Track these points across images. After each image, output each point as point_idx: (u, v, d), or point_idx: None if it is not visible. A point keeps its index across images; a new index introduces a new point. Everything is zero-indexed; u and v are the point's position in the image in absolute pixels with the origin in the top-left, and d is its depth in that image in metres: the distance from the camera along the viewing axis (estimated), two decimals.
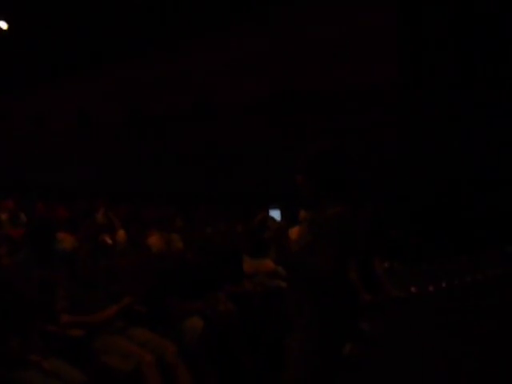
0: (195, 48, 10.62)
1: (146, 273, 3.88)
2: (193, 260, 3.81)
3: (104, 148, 12.44)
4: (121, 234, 4.95)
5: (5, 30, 10.84)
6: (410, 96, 8.04)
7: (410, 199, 7.75)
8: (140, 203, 8.39)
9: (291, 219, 5.24)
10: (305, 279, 2.07)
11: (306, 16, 9.02)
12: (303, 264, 2.06)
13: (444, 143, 7.94)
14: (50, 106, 13.54)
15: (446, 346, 3.95)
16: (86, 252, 3.29)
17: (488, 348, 3.91)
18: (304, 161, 2.18)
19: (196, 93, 10.65)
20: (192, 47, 10.66)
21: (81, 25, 10.86)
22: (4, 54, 11.80)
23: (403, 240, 6.63)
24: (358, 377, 3.39)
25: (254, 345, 3.62)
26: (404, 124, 8.13)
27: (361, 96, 8.39)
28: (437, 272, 6.04)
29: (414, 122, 8.14)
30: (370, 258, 5.31)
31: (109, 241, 4.53)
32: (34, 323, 2.84)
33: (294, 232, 4.63)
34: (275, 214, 5.23)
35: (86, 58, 11.92)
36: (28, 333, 2.74)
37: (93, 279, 3.24)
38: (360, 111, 8.41)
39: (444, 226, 7.49)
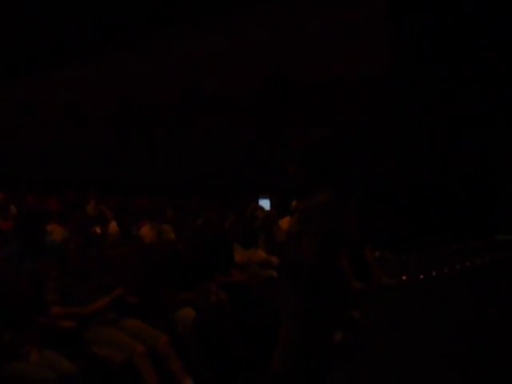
0: (185, 37, 10.52)
1: (137, 264, 3.88)
2: (184, 251, 3.80)
3: (94, 139, 12.34)
4: (113, 225, 4.93)
5: None
6: (400, 86, 8.05)
7: (400, 189, 7.79)
8: (131, 194, 8.36)
9: (283, 209, 5.25)
10: (292, 268, 2.09)
11: (296, 7, 8.96)
12: (290, 253, 2.06)
13: (433, 134, 7.98)
14: (38, 97, 13.37)
15: (436, 333, 4.01)
16: (77, 244, 3.27)
17: (478, 334, 3.97)
18: (294, 150, 2.18)
19: (185, 83, 10.56)
20: (182, 37, 10.55)
21: (69, 14, 10.70)
22: None
23: (394, 229, 6.68)
24: (350, 364, 3.43)
25: (246, 334, 3.64)
26: (393, 115, 8.15)
27: (351, 86, 8.38)
28: (427, 260, 6.11)
29: (402, 112, 8.16)
30: (361, 247, 5.35)
31: (98, 231, 4.51)
32: (25, 315, 2.83)
33: (285, 222, 4.65)
34: (265, 204, 5.23)
35: (73, 48, 11.75)
36: (20, 325, 2.73)
37: (84, 271, 3.23)
38: (350, 101, 8.42)
39: (434, 216, 7.55)
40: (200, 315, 3.44)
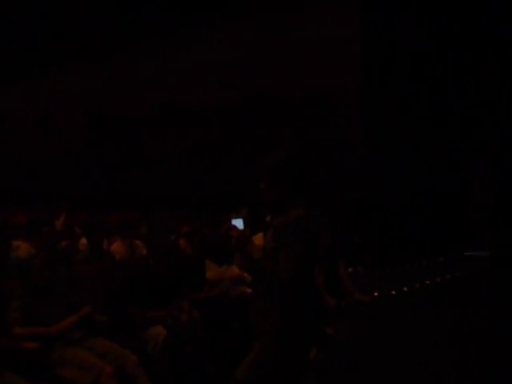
0: (159, 49, 10.50)
1: (106, 281, 3.78)
2: (156, 267, 3.73)
3: (65, 151, 12.11)
4: (82, 241, 4.80)
5: None
6: (373, 104, 8.21)
7: (372, 205, 7.90)
8: (103, 209, 8.20)
9: (256, 225, 5.23)
10: (268, 285, 2.07)
11: (271, 24, 9.09)
12: (266, 270, 2.04)
13: (406, 150, 8.14)
14: (8, 108, 13.08)
15: (408, 348, 4.03)
16: (43, 260, 3.16)
17: (450, 348, 4.01)
18: (266, 168, 2.17)
19: (159, 95, 10.52)
20: (156, 48, 10.53)
21: (41, 24, 10.56)
22: None
23: (366, 245, 6.74)
24: (324, 381, 3.40)
25: (219, 353, 3.58)
26: (366, 130, 8.30)
27: (324, 103, 8.51)
28: (399, 276, 6.18)
29: (376, 128, 8.31)
30: (334, 263, 5.36)
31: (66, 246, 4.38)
32: None
33: (259, 238, 4.64)
34: (238, 223, 5.23)
35: (45, 58, 11.58)
36: None
37: (50, 289, 3.12)
38: (323, 118, 8.53)
39: (404, 232, 7.67)
40: (171, 334, 3.36)
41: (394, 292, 5.58)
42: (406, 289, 5.71)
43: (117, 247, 4.97)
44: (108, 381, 2.82)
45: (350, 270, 5.86)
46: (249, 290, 4.05)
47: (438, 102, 7.96)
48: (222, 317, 3.88)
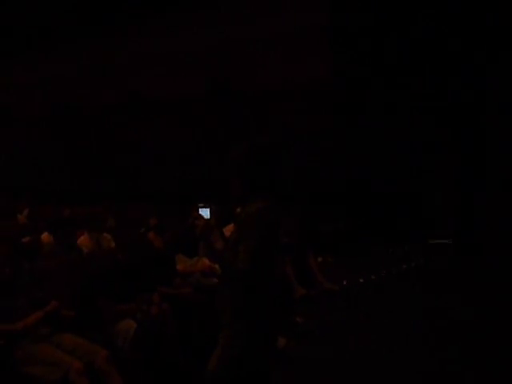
0: (125, 40, 10.26)
1: (74, 275, 3.70)
2: (125, 260, 3.67)
3: (28, 144, 11.72)
4: (45, 235, 4.67)
5: None
6: (343, 95, 8.29)
7: (340, 195, 8.01)
8: (68, 202, 8.01)
9: (227, 217, 5.22)
10: (227, 275, 2.10)
11: (241, 13, 9.02)
12: (226, 260, 2.06)
13: (377, 141, 8.27)
14: None
15: (377, 335, 4.13)
16: (5, 255, 3.06)
17: (417, 332, 4.14)
18: (232, 160, 2.18)
19: (128, 84, 10.29)
20: (122, 38, 10.29)
21: (5, 10, 10.12)
22: None
23: (335, 235, 6.85)
24: (293, 369, 3.45)
25: (190, 345, 3.57)
26: (337, 122, 8.38)
27: (293, 95, 8.53)
28: (366, 265, 6.32)
29: (347, 120, 8.41)
30: (304, 254, 5.43)
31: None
32: None
33: (228, 229, 4.63)
34: (205, 213, 5.21)
35: (7, 47, 11.15)
36: None
37: (13, 284, 3.03)
38: (292, 110, 8.56)
39: (372, 221, 7.83)
40: (141, 327, 3.33)
41: (362, 280, 5.71)
42: (373, 277, 5.85)
43: (84, 241, 4.87)
44: (77, 377, 2.76)
45: (319, 259, 5.95)
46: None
47: (407, 90, 8.10)
48: (193, 309, 3.86)
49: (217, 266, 4.32)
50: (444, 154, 8.51)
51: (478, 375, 3.39)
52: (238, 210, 5.14)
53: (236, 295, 2.06)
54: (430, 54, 7.97)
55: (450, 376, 3.39)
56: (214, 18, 9.29)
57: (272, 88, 8.69)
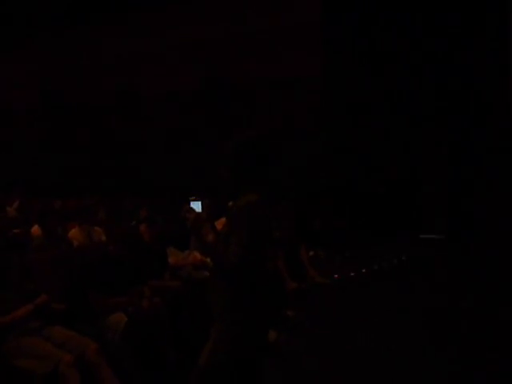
0: (118, 33, 10.17)
1: (64, 268, 3.68)
2: (115, 253, 3.65)
3: (18, 136, 11.60)
4: (35, 228, 4.64)
5: None
6: (333, 89, 8.29)
7: (331, 190, 8.03)
8: (59, 195, 7.95)
9: (219, 210, 5.21)
10: (218, 269, 2.10)
11: (232, 9, 8.98)
12: (217, 254, 2.06)
13: (366, 135, 8.30)
14: None
15: (368, 328, 4.16)
16: None
17: (408, 326, 4.17)
18: (224, 152, 2.18)
19: (119, 81, 10.22)
20: (114, 32, 10.19)
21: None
22: None
23: (326, 229, 6.87)
24: (285, 363, 3.46)
25: (181, 339, 3.56)
26: (327, 115, 8.39)
27: (284, 88, 8.52)
28: (358, 259, 6.35)
29: (336, 113, 8.41)
30: (296, 247, 5.44)
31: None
32: None
33: (221, 223, 4.63)
34: (196, 206, 5.19)
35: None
36: None
37: (3, 277, 3.00)
38: (283, 103, 8.55)
39: (363, 216, 7.86)
40: (132, 320, 3.32)
41: (353, 274, 5.74)
42: (364, 270, 5.88)
43: (75, 234, 4.84)
44: (67, 369, 2.75)
45: (311, 253, 5.97)
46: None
47: (396, 89, 8.13)
48: (184, 302, 3.86)
49: (208, 260, 4.32)
50: (436, 149, 8.56)
51: (468, 365, 3.43)
52: (230, 203, 5.15)
53: (228, 288, 2.07)
54: (420, 49, 8.00)
55: (442, 368, 3.43)
56: (204, 14, 9.24)
57: (264, 83, 8.67)
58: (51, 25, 10.53)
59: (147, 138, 9.90)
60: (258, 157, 2.15)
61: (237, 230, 2.04)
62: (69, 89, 10.89)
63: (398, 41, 7.94)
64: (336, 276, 5.56)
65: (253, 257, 2.06)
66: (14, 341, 2.87)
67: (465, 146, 8.09)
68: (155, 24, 9.77)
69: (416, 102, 8.09)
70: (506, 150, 7.71)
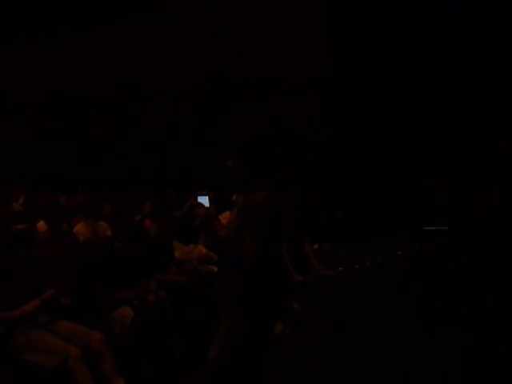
0: (119, 27, 10.15)
1: (70, 263, 3.70)
2: (121, 248, 3.67)
3: (23, 131, 11.63)
4: (41, 224, 4.66)
5: None
6: (337, 81, 8.26)
7: (336, 183, 8.02)
8: (64, 190, 7.97)
9: (222, 204, 5.21)
10: (232, 264, 2.09)
11: (236, 1, 8.93)
12: (232, 249, 2.06)
13: (369, 130, 8.27)
14: None
15: (373, 320, 4.17)
16: (1, 243, 3.05)
17: (413, 318, 4.18)
18: (234, 145, 2.16)
19: (120, 74, 10.21)
20: (117, 26, 10.17)
21: None
22: None
23: (330, 222, 6.87)
24: (290, 355, 3.48)
25: (186, 332, 3.59)
26: (330, 108, 8.36)
27: (290, 80, 8.49)
28: (362, 251, 6.35)
29: (340, 106, 8.39)
30: (300, 240, 5.45)
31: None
32: None
33: (224, 217, 4.63)
34: (204, 200, 5.19)
35: (3, 35, 11.01)
36: None
37: (10, 272, 3.03)
38: (290, 96, 8.52)
39: (367, 209, 7.86)
40: (138, 314, 3.34)
41: (357, 266, 5.75)
42: (369, 263, 5.89)
43: (80, 229, 4.85)
44: (76, 363, 2.78)
45: (316, 246, 5.98)
46: (216, 269, 4.06)
47: (401, 78, 8.08)
48: (189, 296, 3.88)
49: (213, 254, 4.33)
50: (442, 142, 8.53)
51: (467, 357, 3.44)
52: (234, 197, 5.15)
53: (240, 283, 2.07)
54: (425, 41, 7.95)
55: (445, 361, 3.44)
56: (207, 5, 9.19)
57: (270, 74, 8.64)
58: (52, 18, 10.51)
59: (149, 131, 9.91)
60: (269, 151, 2.15)
61: (253, 226, 2.03)
62: (77, 80, 10.88)
63: (404, 29, 7.87)
64: (341, 269, 5.57)
65: (267, 253, 2.06)
66: (22, 335, 2.90)
67: (466, 139, 8.07)
68: (156, 15, 9.73)
69: (419, 96, 8.06)
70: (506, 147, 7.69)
